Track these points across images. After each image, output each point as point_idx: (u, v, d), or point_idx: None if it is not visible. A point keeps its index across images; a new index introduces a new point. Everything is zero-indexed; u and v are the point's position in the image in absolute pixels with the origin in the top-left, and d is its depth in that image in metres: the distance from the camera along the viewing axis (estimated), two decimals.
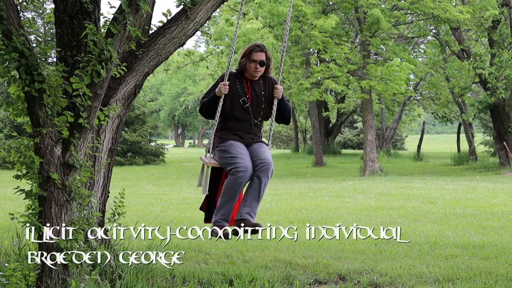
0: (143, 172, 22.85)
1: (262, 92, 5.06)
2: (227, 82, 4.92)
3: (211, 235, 4.68)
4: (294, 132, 44.15)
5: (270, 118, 5.06)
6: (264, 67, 5.02)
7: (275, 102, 5.04)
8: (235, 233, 4.61)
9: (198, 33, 35.95)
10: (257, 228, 4.60)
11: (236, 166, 4.68)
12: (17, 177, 4.41)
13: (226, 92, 4.89)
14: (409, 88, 27.93)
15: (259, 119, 5.05)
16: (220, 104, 4.90)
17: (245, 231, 4.60)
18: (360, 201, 11.72)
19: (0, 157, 4.44)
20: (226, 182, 4.70)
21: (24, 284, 4.34)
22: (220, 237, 4.62)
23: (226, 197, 4.70)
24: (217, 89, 4.94)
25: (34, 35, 5.25)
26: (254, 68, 4.99)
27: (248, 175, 4.70)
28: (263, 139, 5.12)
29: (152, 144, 30.15)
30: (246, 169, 4.68)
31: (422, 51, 32.23)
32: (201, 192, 4.89)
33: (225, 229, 4.62)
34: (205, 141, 72.36)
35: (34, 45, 4.61)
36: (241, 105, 4.97)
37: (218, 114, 4.91)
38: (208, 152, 4.94)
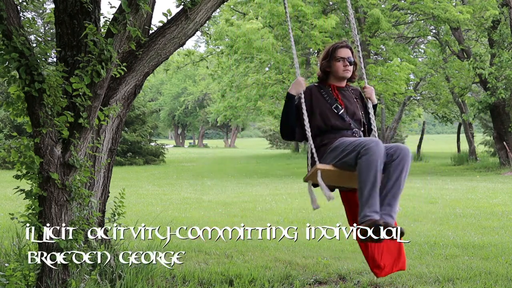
0: (143, 172, 22.85)
1: (355, 99, 4.35)
2: (302, 78, 4.19)
3: (361, 235, 3.76)
4: None
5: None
6: (353, 65, 4.32)
7: (370, 105, 4.35)
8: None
9: (198, 33, 35.89)
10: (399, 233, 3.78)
11: (363, 145, 3.80)
12: (17, 177, 4.41)
13: (304, 88, 4.14)
14: (409, 88, 27.92)
15: (360, 127, 4.29)
16: (305, 116, 4.06)
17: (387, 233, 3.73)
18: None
19: (0, 157, 4.44)
20: (359, 168, 3.78)
21: (24, 284, 4.34)
22: (372, 234, 3.70)
23: (368, 185, 3.75)
24: (292, 85, 4.18)
25: (34, 35, 5.25)
26: (343, 66, 4.28)
27: (382, 150, 3.80)
28: None
29: (152, 144, 30.16)
30: (377, 142, 3.80)
31: (422, 51, 32.24)
32: (313, 207, 4.13)
33: (378, 222, 3.70)
34: (205, 141, 72.46)
35: (34, 45, 4.61)
36: (336, 113, 4.19)
37: (306, 115, 4.04)
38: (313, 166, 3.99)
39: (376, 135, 4.36)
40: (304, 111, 4.07)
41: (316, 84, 4.34)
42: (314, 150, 4.01)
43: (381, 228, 3.68)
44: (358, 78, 4.60)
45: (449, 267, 5.78)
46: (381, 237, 3.71)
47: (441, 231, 8.08)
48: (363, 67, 4.49)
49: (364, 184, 3.76)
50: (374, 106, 4.43)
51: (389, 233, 3.71)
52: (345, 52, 4.29)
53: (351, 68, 4.31)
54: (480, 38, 25.69)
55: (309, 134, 4.03)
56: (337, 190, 4.36)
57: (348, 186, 4.14)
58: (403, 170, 3.90)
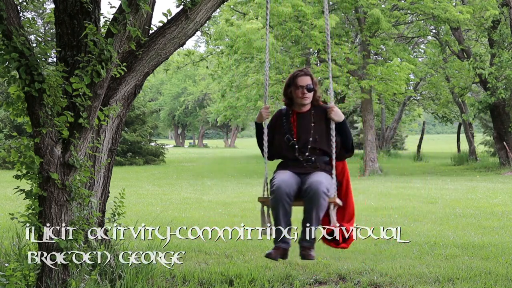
0: (143, 172, 22.84)
1: (312, 124, 4.53)
2: (268, 105, 4.52)
3: (267, 255, 4.50)
4: None
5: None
6: (312, 93, 4.53)
7: (332, 127, 4.45)
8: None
9: (198, 33, 35.90)
10: (306, 258, 4.48)
11: (271, 184, 4.31)
12: (17, 177, 4.41)
13: (267, 117, 4.50)
14: (409, 88, 27.95)
15: (308, 154, 4.47)
16: (265, 138, 4.49)
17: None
18: (360, 201, 11.72)
19: (0, 157, 4.44)
20: (270, 202, 4.36)
21: (24, 284, 4.34)
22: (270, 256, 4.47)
23: (273, 214, 4.36)
24: (257, 115, 4.55)
25: (34, 35, 5.25)
26: (301, 94, 4.50)
27: (282, 192, 4.24)
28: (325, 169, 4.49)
29: (152, 144, 30.16)
30: (279, 186, 4.23)
31: (422, 51, 32.24)
32: (262, 232, 4.52)
33: (277, 251, 4.45)
34: (205, 141, 72.48)
35: (34, 45, 4.61)
36: (286, 143, 4.51)
37: (265, 146, 4.49)
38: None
39: (333, 162, 4.47)
40: (265, 141, 4.51)
41: (286, 109, 4.64)
42: (267, 178, 4.47)
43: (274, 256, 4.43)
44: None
45: (449, 267, 5.78)
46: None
47: (441, 231, 8.08)
48: (331, 88, 4.67)
49: (276, 218, 4.36)
50: (343, 124, 4.58)
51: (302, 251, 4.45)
52: (304, 80, 4.53)
53: (309, 95, 4.54)
54: (480, 38, 25.69)
55: (266, 163, 4.52)
56: None
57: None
58: (313, 208, 4.26)
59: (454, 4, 22.35)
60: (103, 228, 5.45)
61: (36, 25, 4.96)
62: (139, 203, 11.61)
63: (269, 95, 22.52)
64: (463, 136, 32.84)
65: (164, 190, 14.83)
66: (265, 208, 4.49)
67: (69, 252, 4.36)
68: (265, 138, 4.50)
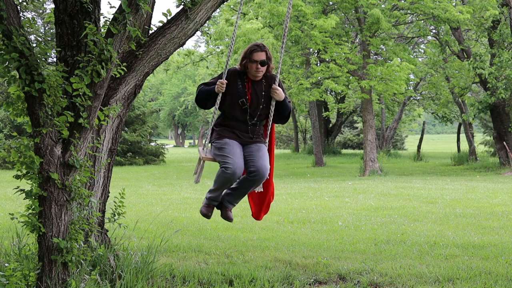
0: (143, 172, 22.85)
1: (263, 93, 5.06)
2: (225, 81, 4.95)
3: (201, 212, 5.20)
4: (294, 132, 44.16)
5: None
6: (265, 66, 5.00)
7: (273, 102, 5.04)
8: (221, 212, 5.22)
9: (198, 33, 35.86)
10: (227, 219, 5.21)
11: (225, 166, 4.83)
12: (17, 177, 4.41)
13: (223, 91, 4.94)
14: (409, 88, 27.94)
15: (256, 119, 5.07)
16: (218, 101, 4.98)
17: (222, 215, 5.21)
18: (360, 201, 11.72)
19: (0, 157, 4.44)
20: (218, 172, 4.92)
21: (24, 284, 4.34)
22: (204, 214, 5.17)
23: (217, 185, 5.00)
24: (215, 86, 4.97)
25: (34, 35, 5.28)
26: (255, 68, 4.98)
27: (236, 177, 4.87)
28: (262, 139, 5.17)
29: (152, 144, 30.14)
30: (234, 172, 4.81)
31: (422, 51, 32.24)
32: (194, 181, 5.21)
33: (209, 209, 5.18)
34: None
35: (34, 45, 4.61)
36: (240, 106, 5.01)
37: (216, 107, 5.01)
38: (204, 146, 5.13)
39: (270, 120, 5.11)
40: (218, 102, 4.98)
41: (240, 70, 5.07)
42: (208, 140, 5.13)
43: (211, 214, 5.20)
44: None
45: (449, 267, 5.79)
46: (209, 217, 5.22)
47: (441, 231, 8.08)
48: (279, 72, 5.12)
49: (216, 182, 4.98)
50: (283, 103, 5.08)
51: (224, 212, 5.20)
52: (259, 55, 4.97)
53: (263, 68, 5.00)
54: (480, 38, 25.68)
55: (212, 122, 5.11)
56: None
57: None
58: (253, 187, 5.05)
59: (454, 4, 22.34)
60: (103, 228, 5.46)
61: (36, 25, 4.96)
62: (139, 203, 11.62)
63: None
64: (463, 136, 32.84)
65: (164, 190, 14.83)
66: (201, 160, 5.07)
67: (69, 252, 4.36)
68: (218, 102, 4.99)
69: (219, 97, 4.97)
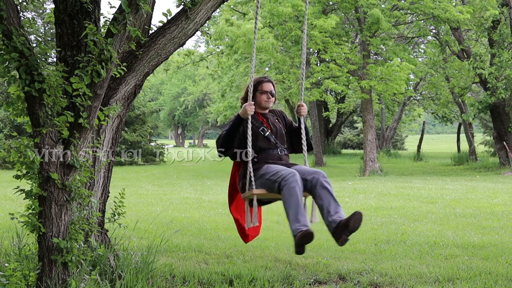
0: (143, 172, 22.84)
1: (277, 120, 5.06)
2: (252, 102, 4.76)
3: (297, 247, 4.38)
4: None
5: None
6: (274, 97, 5.04)
7: (302, 120, 4.97)
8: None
9: (198, 33, 35.83)
10: (356, 217, 4.27)
11: (282, 177, 4.49)
12: (17, 177, 4.41)
13: (253, 112, 4.74)
14: (409, 88, 27.94)
15: (283, 147, 4.96)
16: (249, 132, 4.69)
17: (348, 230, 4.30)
18: (360, 201, 11.72)
19: (0, 157, 4.44)
20: (283, 196, 4.48)
21: (24, 284, 4.34)
22: (304, 239, 4.30)
23: (292, 209, 4.41)
24: (241, 111, 4.79)
25: (34, 35, 5.28)
26: (266, 98, 5.00)
27: (299, 181, 4.47)
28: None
29: (152, 144, 30.13)
30: (294, 173, 4.48)
31: (422, 51, 32.23)
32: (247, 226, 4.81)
33: (308, 231, 4.31)
34: (205, 141, 72.47)
35: (34, 45, 4.61)
36: (262, 135, 4.90)
37: (249, 140, 4.67)
38: (246, 189, 4.71)
39: (305, 149, 5.00)
40: (249, 136, 4.67)
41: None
42: (252, 174, 4.64)
43: (309, 237, 4.31)
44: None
45: (449, 267, 5.78)
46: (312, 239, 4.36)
47: (441, 231, 8.08)
48: (303, 85, 5.13)
49: (289, 208, 4.43)
50: (305, 125, 5.07)
51: (346, 225, 4.30)
52: (268, 86, 5.01)
53: (273, 99, 5.04)
54: (480, 38, 25.68)
55: (250, 157, 4.68)
56: None
57: (277, 198, 4.80)
58: (327, 187, 4.56)
59: (454, 4, 22.34)
60: (103, 228, 5.46)
61: (36, 25, 4.96)
62: (139, 203, 11.61)
63: None
64: (463, 136, 32.84)
65: (164, 190, 14.83)
66: (247, 204, 4.75)
67: (69, 252, 4.36)
68: (249, 132, 4.68)
69: (249, 130, 4.67)
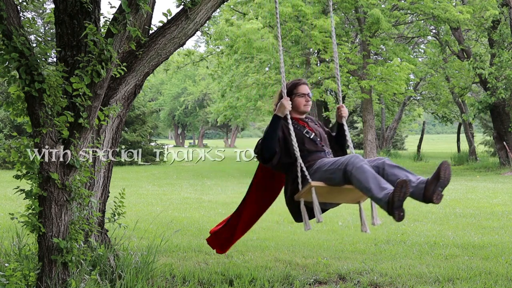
0: (143, 172, 22.84)
1: (315, 125, 4.64)
2: (287, 97, 4.40)
3: (395, 209, 3.81)
4: None
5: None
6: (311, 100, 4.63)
7: (344, 122, 4.58)
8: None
9: (198, 33, 35.83)
10: (445, 166, 3.95)
11: (346, 162, 4.03)
12: (17, 177, 4.41)
13: (291, 108, 4.37)
14: (409, 88, 27.93)
15: (330, 150, 4.54)
16: (291, 128, 4.29)
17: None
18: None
19: (0, 157, 4.44)
20: (354, 180, 3.98)
21: (24, 284, 4.34)
22: (401, 191, 3.77)
23: (373, 181, 3.91)
24: (278, 108, 4.36)
25: (34, 35, 5.27)
26: (305, 101, 4.57)
27: (363, 159, 4.04)
28: None
29: (152, 144, 30.12)
30: (357, 155, 4.06)
31: (422, 51, 32.23)
32: (305, 229, 4.26)
33: (401, 180, 3.77)
34: (205, 141, 72.45)
35: (34, 45, 4.61)
36: (308, 137, 4.45)
37: (294, 140, 4.27)
38: (299, 189, 4.21)
39: (353, 152, 4.54)
40: (292, 132, 4.26)
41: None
42: (304, 168, 4.17)
43: (405, 185, 3.75)
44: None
45: (449, 267, 5.78)
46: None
47: (441, 231, 8.08)
48: (339, 85, 4.71)
49: (367, 182, 3.91)
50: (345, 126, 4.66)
51: (436, 178, 3.95)
52: (306, 89, 4.59)
53: (310, 102, 4.61)
54: (480, 38, 25.68)
55: (298, 153, 4.22)
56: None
57: (337, 201, 4.45)
58: (397, 165, 4.09)
59: (454, 4, 22.34)
60: (103, 228, 5.46)
61: (36, 25, 4.96)
62: (139, 203, 11.61)
63: (269, 94, 22.64)
64: (463, 136, 32.83)
65: (164, 190, 14.83)
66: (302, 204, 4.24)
67: (69, 252, 4.36)
68: (291, 128, 4.28)
69: (291, 131, 4.27)
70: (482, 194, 12.98)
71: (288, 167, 4.35)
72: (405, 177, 3.98)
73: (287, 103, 4.34)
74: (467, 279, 5.34)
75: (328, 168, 4.15)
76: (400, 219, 3.83)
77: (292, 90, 4.57)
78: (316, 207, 4.09)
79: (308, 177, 4.13)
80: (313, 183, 4.08)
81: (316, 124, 4.65)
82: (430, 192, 3.92)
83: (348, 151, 4.64)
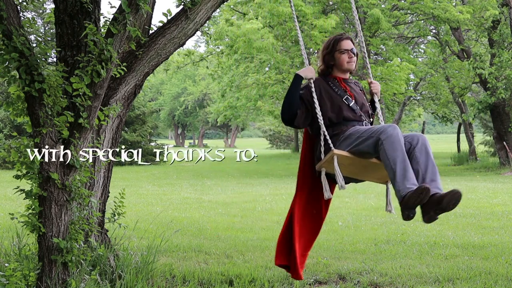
0: (143, 172, 22.84)
1: (360, 90, 4.25)
2: (311, 67, 4.11)
3: (407, 210, 3.63)
4: (294, 132, 44.15)
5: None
6: (357, 56, 4.22)
7: (376, 99, 4.23)
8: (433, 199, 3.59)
9: (198, 33, 35.83)
10: (454, 195, 3.53)
11: (381, 130, 3.74)
12: (17, 177, 4.41)
13: (313, 76, 4.08)
14: (409, 88, 27.93)
15: (369, 119, 4.18)
16: (316, 101, 3.99)
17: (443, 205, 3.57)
18: (360, 201, 11.72)
19: (0, 157, 4.45)
20: (383, 151, 3.70)
21: (24, 284, 4.34)
22: (419, 197, 3.53)
23: (399, 163, 3.64)
24: (304, 69, 4.12)
25: (34, 35, 5.27)
26: (348, 58, 4.17)
27: (400, 132, 3.77)
28: None
29: (152, 144, 30.13)
30: (394, 125, 3.76)
31: (422, 51, 32.24)
32: (325, 197, 3.96)
33: (423, 186, 3.53)
34: (205, 141, 72.48)
35: (34, 45, 4.61)
36: (347, 105, 4.09)
37: (317, 104, 3.98)
38: (322, 157, 3.93)
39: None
40: (315, 98, 3.99)
41: (320, 77, 4.22)
42: (328, 137, 3.92)
43: (426, 193, 3.52)
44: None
45: (449, 267, 5.78)
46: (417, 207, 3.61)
47: (441, 231, 8.08)
48: (368, 62, 4.37)
49: (395, 163, 3.66)
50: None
51: (439, 201, 3.56)
52: (347, 44, 4.18)
53: (355, 59, 4.20)
54: (480, 38, 25.69)
55: (321, 121, 3.95)
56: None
57: (360, 178, 4.12)
58: (428, 151, 3.82)
59: (454, 4, 22.35)
60: (103, 228, 5.46)
61: (36, 25, 4.95)
62: (139, 203, 11.62)
63: (269, 94, 22.65)
64: (463, 136, 32.81)
65: (164, 190, 14.83)
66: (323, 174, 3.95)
67: (69, 252, 4.36)
68: (315, 95, 4.01)
69: (315, 98, 4.01)
70: (482, 194, 12.98)
71: (318, 131, 4.05)
72: (423, 172, 3.72)
73: (312, 69, 4.10)
74: (467, 279, 5.34)
75: (360, 135, 3.85)
76: (407, 219, 3.69)
77: (334, 46, 4.19)
78: (338, 174, 3.78)
79: (331, 145, 3.87)
80: (336, 151, 3.80)
81: (359, 89, 4.26)
82: (425, 210, 3.67)
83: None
